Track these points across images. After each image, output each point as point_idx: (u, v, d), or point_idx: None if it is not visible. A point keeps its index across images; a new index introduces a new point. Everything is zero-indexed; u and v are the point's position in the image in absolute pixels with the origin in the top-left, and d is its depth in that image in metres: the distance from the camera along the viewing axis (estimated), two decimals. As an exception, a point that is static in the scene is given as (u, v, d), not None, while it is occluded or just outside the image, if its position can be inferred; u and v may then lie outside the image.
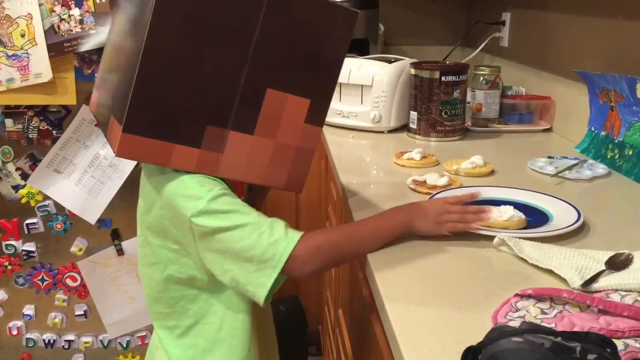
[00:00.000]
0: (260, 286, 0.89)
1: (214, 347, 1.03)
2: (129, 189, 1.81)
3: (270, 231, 0.88)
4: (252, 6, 0.89)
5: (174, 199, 0.92)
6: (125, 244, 1.85)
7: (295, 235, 0.89)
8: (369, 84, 1.74)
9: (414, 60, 1.84)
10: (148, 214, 0.99)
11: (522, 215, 1.03)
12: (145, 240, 1.03)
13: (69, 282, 1.88)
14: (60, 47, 1.72)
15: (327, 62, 0.97)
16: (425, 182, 1.24)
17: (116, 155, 0.88)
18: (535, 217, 1.08)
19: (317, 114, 0.98)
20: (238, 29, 0.89)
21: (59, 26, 1.71)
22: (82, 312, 1.90)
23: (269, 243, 0.87)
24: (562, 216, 1.06)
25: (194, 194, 0.90)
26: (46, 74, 1.71)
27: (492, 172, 1.36)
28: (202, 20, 0.88)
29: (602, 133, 1.50)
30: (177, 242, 0.97)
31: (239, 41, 0.90)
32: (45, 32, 1.70)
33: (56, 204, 1.82)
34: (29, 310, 1.89)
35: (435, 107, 1.65)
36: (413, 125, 1.71)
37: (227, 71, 0.91)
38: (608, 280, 0.82)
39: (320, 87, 0.97)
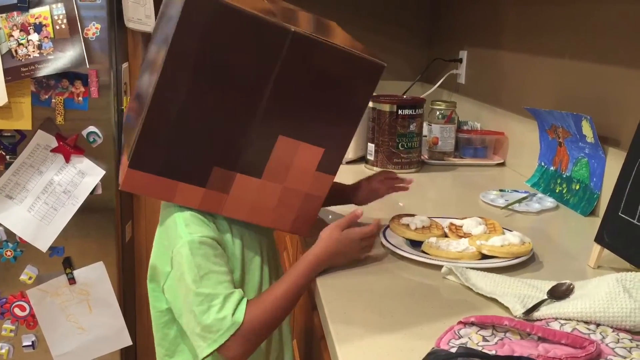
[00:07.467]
0: (199, 348, 0.91)
1: None
2: (83, 217, 1.79)
3: (221, 306, 0.89)
4: (269, 55, 0.89)
5: (166, 230, 0.97)
6: (77, 273, 1.82)
7: (240, 317, 0.89)
8: (327, 116, 1.76)
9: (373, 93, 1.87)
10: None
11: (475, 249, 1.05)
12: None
13: (17, 311, 1.82)
14: (17, 72, 1.70)
15: (347, 113, 0.96)
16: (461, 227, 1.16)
17: (120, 188, 0.91)
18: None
19: (331, 163, 0.97)
20: (251, 75, 0.90)
21: (16, 50, 1.70)
22: (30, 343, 1.84)
23: (215, 318, 0.89)
24: None
25: (178, 232, 0.93)
26: (1, 98, 1.69)
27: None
28: (215, 65, 0.88)
29: (552, 168, 1.55)
30: (155, 269, 1.00)
31: (252, 88, 0.90)
32: (2, 56, 1.68)
33: (7, 231, 1.78)
34: (-27, 340, 1.83)
35: (392, 139, 1.68)
36: (371, 157, 1.73)
37: (237, 116, 0.91)
38: (549, 309, 0.84)
39: (336, 137, 0.97)
